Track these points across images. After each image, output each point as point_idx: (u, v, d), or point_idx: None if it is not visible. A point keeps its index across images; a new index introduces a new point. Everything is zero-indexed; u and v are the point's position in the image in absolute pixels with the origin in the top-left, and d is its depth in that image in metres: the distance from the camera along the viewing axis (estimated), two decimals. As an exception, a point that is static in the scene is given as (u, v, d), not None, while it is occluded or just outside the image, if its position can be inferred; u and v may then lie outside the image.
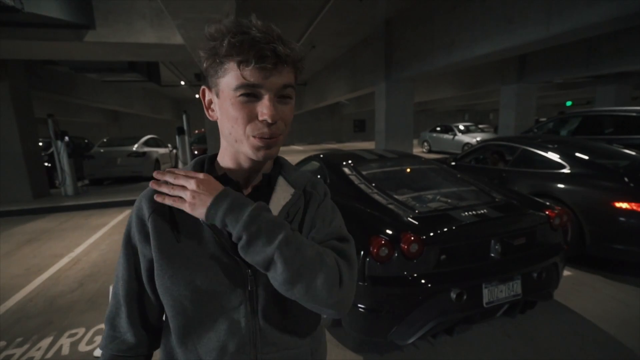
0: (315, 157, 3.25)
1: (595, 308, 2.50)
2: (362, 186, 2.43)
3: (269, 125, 0.57)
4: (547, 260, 2.03)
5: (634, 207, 2.75)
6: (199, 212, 0.56)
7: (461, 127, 13.52)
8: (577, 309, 2.50)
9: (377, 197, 2.25)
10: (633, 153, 3.59)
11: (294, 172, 0.74)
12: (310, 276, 0.55)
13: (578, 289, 2.79)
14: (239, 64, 0.54)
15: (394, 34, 7.49)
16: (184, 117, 7.92)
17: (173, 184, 0.58)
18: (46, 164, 7.88)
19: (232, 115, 0.57)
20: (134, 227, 0.65)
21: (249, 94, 0.56)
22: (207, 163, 0.71)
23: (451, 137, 13.39)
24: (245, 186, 0.68)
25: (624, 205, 2.79)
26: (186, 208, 0.57)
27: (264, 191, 0.68)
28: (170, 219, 0.63)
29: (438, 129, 14.49)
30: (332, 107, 24.23)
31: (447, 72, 10.06)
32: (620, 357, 1.99)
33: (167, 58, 6.52)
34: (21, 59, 6.42)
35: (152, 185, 0.60)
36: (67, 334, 2.42)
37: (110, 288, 2.00)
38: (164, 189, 0.58)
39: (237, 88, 0.56)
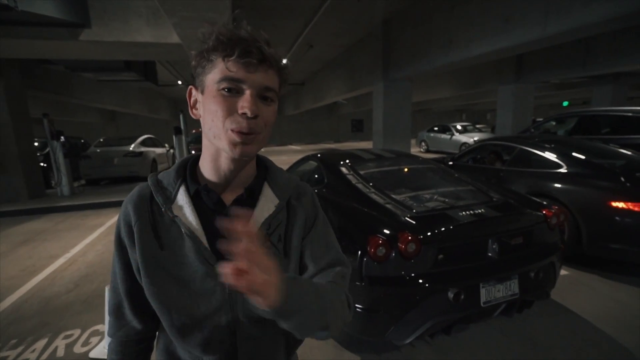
0: (312, 157, 3.24)
1: (592, 307, 2.51)
2: (360, 186, 2.42)
3: (248, 119, 0.57)
4: (544, 259, 2.03)
5: (631, 207, 2.76)
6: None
7: (459, 127, 13.55)
8: (574, 308, 2.50)
9: (374, 196, 2.25)
10: (629, 153, 3.61)
11: (281, 178, 0.74)
12: (336, 324, 0.60)
13: (575, 288, 2.80)
14: (224, 57, 0.56)
15: (391, 34, 7.49)
16: (181, 116, 7.90)
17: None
18: (42, 164, 7.83)
19: (213, 108, 0.58)
20: (123, 231, 0.67)
21: (231, 88, 0.57)
22: (189, 169, 0.71)
23: (449, 136, 13.42)
24: (226, 196, 0.69)
25: (621, 204, 2.80)
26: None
27: (247, 202, 0.68)
28: (153, 228, 0.65)
29: (436, 128, 14.51)
30: (329, 107, 24.23)
31: (445, 72, 10.07)
32: (617, 356, 2.00)
33: (164, 57, 6.49)
34: (16, 58, 6.36)
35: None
36: (62, 335, 2.40)
37: (107, 289, 1.98)
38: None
39: (220, 81, 0.57)
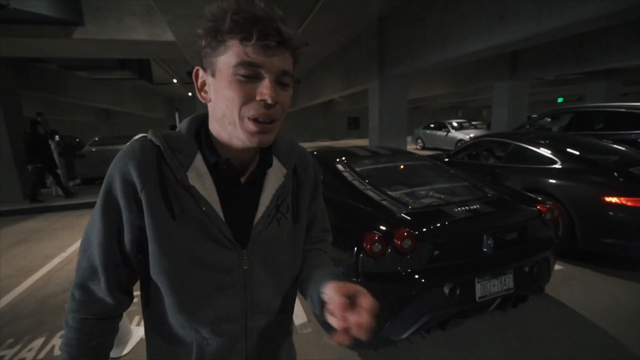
0: (308, 154, 3.24)
1: (585, 301, 2.54)
2: (356, 182, 2.43)
3: (267, 106, 0.55)
4: (539, 254, 2.05)
5: (624, 202, 2.79)
6: None
7: (454, 123, 13.60)
8: (568, 302, 2.53)
9: (370, 193, 2.26)
10: (623, 148, 3.64)
11: (283, 144, 0.73)
12: None
13: (569, 283, 2.83)
14: (242, 40, 0.52)
15: (387, 31, 7.49)
16: (177, 115, 7.86)
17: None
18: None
19: (228, 95, 0.55)
20: (119, 191, 0.58)
21: (249, 74, 0.54)
22: (204, 136, 0.64)
23: (445, 133, 13.46)
24: (243, 172, 0.66)
25: (614, 199, 2.83)
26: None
27: (258, 173, 0.67)
28: (163, 194, 0.58)
29: (432, 125, 14.56)
30: (325, 105, 24.19)
31: (441, 69, 10.07)
32: (611, 349, 2.03)
33: (159, 55, 6.46)
34: (9, 56, 6.30)
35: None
36: (59, 334, 2.39)
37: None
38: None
39: (237, 66, 0.53)
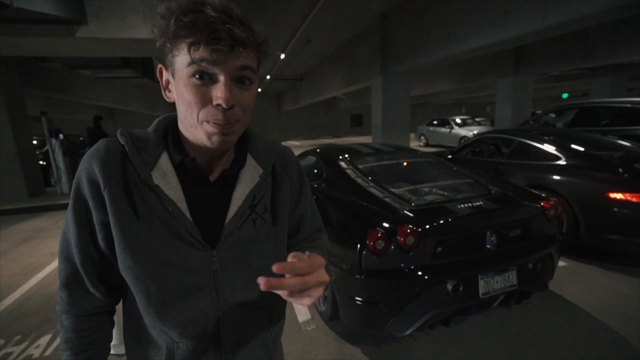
0: (311, 152, 3.24)
1: (590, 298, 2.53)
2: (359, 180, 2.43)
3: (224, 110, 0.52)
4: (542, 251, 2.04)
5: (628, 198, 2.77)
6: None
7: (458, 120, 13.52)
8: (572, 298, 2.53)
9: (373, 190, 2.26)
10: (628, 144, 3.61)
11: (262, 144, 0.71)
12: None
13: (573, 279, 2.82)
14: (190, 45, 0.50)
15: (389, 28, 7.45)
16: (179, 113, 7.86)
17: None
18: (41, 162, 7.82)
19: (186, 98, 0.53)
20: (86, 190, 0.58)
21: (203, 74, 0.51)
22: (171, 134, 0.63)
23: (448, 130, 13.39)
24: (210, 171, 0.64)
25: (619, 195, 2.81)
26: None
27: (230, 172, 0.65)
28: (127, 193, 0.57)
29: (435, 122, 14.48)
30: (328, 102, 24.15)
31: (444, 65, 10.04)
32: (616, 346, 2.02)
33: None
34: (12, 55, 6.33)
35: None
36: (65, 331, 2.42)
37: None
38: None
39: (189, 65, 0.51)
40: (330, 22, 7.88)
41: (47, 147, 7.05)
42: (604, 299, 2.50)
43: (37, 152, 7.80)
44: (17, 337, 2.37)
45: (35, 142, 7.84)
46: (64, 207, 6.29)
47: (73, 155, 7.43)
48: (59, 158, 6.92)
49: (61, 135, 6.95)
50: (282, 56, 11.03)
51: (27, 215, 5.96)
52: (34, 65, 8.28)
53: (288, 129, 25.31)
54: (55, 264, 3.66)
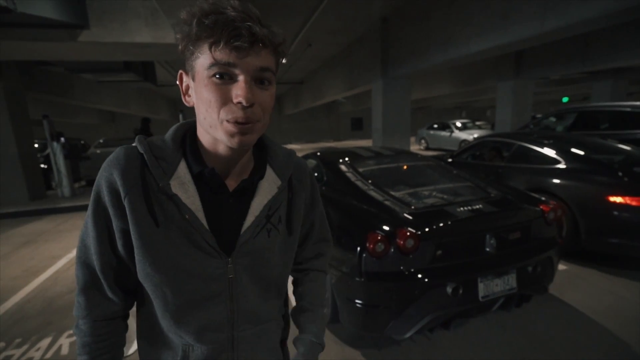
0: (312, 155, 3.25)
1: (590, 301, 2.53)
2: (359, 183, 2.44)
3: (244, 108, 0.53)
4: (542, 254, 2.05)
5: (628, 201, 2.77)
6: None
7: (458, 124, 13.54)
8: (572, 302, 2.52)
9: (373, 193, 2.26)
10: (628, 148, 3.62)
11: (280, 154, 0.73)
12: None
13: (573, 283, 2.81)
14: (211, 45, 0.51)
15: (390, 31, 7.49)
16: (181, 116, 7.89)
17: None
18: (42, 165, 7.84)
19: (206, 98, 0.54)
20: (107, 199, 0.59)
21: (223, 74, 0.53)
22: (189, 144, 0.64)
23: (448, 134, 13.41)
24: (228, 179, 0.65)
25: (619, 199, 2.81)
26: None
27: (249, 183, 0.66)
28: (147, 201, 0.59)
29: (435, 126, 14.50)
30: (329, 105, 24.20)
31: (444, 69, 10.06)
32: (616, 350, 2.02)
33: (163, 57, 6.49)
34: (15, 60, 6.37)
35: None
36: (66, 334, 2.42)
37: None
38: None
39: (210, 67, 0.52)
40: (330, 26, 7.92)
41: (49, 150, 7.07)
42: (605, 303, 2.50)
43: (39, 156, 7.83)
44: (18, 340, 2.37)
45: (36, 145, 7.87)
46: (65, 210, 6.31)
47: (74, 158, 7.45)
48: (60, 161, 6.93)
49: (62, 139, 6.97)
50: (283, 60, 11.07)
51: (28, 218, 5.98)
52: (36, 69, 8.32)
53: (288, 132, 25.35)
54: (55, 267, 3.67)
